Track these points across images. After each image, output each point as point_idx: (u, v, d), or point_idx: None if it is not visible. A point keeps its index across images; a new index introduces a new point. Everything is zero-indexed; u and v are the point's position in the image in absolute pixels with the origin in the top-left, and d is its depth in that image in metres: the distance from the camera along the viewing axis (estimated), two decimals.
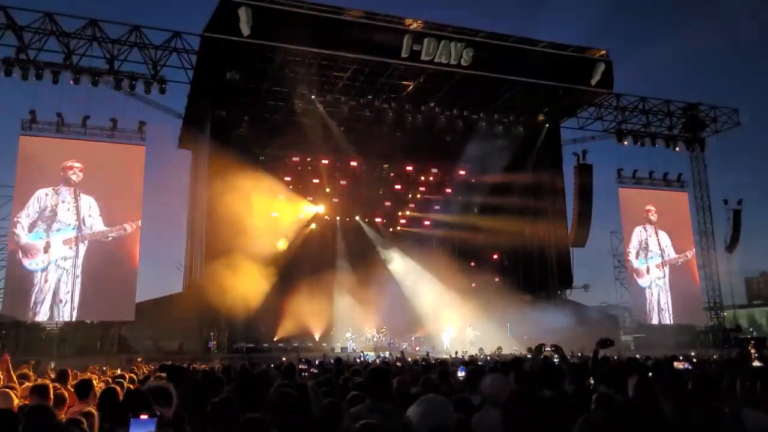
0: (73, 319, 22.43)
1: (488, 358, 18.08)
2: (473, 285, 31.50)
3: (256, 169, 25.86)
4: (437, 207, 32.39)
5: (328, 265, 29.87)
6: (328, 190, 29.97)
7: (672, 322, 29.81)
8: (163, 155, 26.63)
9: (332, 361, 12.18)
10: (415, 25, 24.23)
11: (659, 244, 30.65)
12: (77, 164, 22.62)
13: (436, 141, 28.38)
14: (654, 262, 30.31)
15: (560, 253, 29.19)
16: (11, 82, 22.02)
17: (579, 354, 13.48)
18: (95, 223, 22.71)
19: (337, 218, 31.28)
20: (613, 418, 1.89)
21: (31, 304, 21.54)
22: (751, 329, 48.11)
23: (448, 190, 31.54)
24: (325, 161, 28.58)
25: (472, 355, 19.00)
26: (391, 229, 31.93)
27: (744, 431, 2.79)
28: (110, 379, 7.33)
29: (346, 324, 27.32)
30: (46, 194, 22.32)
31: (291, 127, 25.89)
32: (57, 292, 21.76)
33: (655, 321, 29.54)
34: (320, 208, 30.31)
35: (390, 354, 19.79)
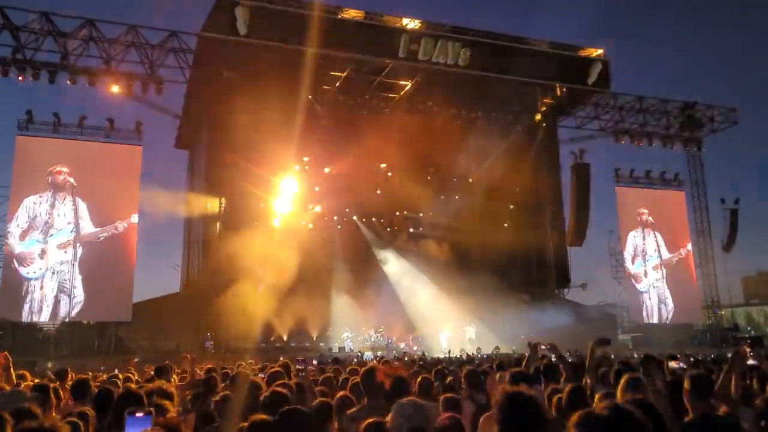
0: (70, 320, 22.37)
1: (485, 356, 18.13)
2: (470, 284, 31.61)
3: (254, 169, 25.90)
4: (434, 206, 32.42)
5: (326, 265, 29.87)
6: (319, 189, 29.96)
7: (670, 322, 29.86)
8: (160, 155, 26.64)
9: (329, 361, 12.20)
10: (412, 24, 24.27)
11: (657, 245, 30.69)
12: (65, 168, 22.44)
13: (433, 140, 28.36)
14: (651, 264, 30.36)
15: (558, 253, 29.25)
16: (8, 82, 22.04)
17: (577, 353, 13.50)
18: (89, 224, 22.65)
19: (335, 218, 31.28)
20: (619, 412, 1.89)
21: (27, 306, 21.45)
22: (748, 328, 48.26)
23: (446, 190, 31.55)
24: (322, 160, 28.56)
25: (469, 355, 19.01)
26: (388, 229, 31.94)
27: (739, 431, 2.79)
28: (105, 379, 7.34)
29: (344, 324, 27.33)
30: (40, 197, 22.24)
31: (288, 127, 25.87)
32: (54, 295, 21.72)
33: (652, 320, 29.59)
34: (317, 208, 30.33)
35: (393, 352, 19.85)
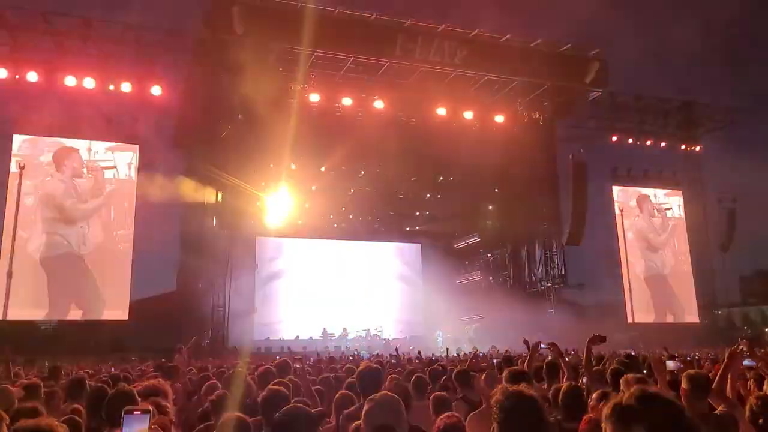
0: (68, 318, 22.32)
1: (482, 355, 18.15)
2: (467, 283, 31.73)
3: (251, 169, 25.89)
4: (431, 206, 32.49)
5: (323, 263, 29.98)
6: (322, 189, 30.02)
7: (667, 320, 29.88)
8: (157, 154, 26.47)
9: (326, 359, 12.22)
10: (407, 23, 24.26)
11: (654, 243, 30.75)
12: (68, 163, 22.50)
13: (430, 139, 28.38)
14: (648, 261, 30.40)
15: (555, 252, 29.28)
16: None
17: (572, 352, 13.51)
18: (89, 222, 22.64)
19: (331, 216, 31.37)
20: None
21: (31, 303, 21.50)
22: (745, 327, 48.33)
23: (442, 188, 31.62)
24: (319, 159, 28.58)
25: (466, 354, 19.03)
26: (384, 228, 32.02)
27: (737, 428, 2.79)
28: (102, 378, 7.31)
29: (341, 323, 27.42)
30: (39, 194, 22.21)
31: (286, 127, 25.84)
32: (50, 292, 21.69)
33: (649, 319, 29.61)
34: (315, 207, 30.41)
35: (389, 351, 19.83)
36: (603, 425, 1.79)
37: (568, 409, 4.07)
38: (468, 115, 27.30)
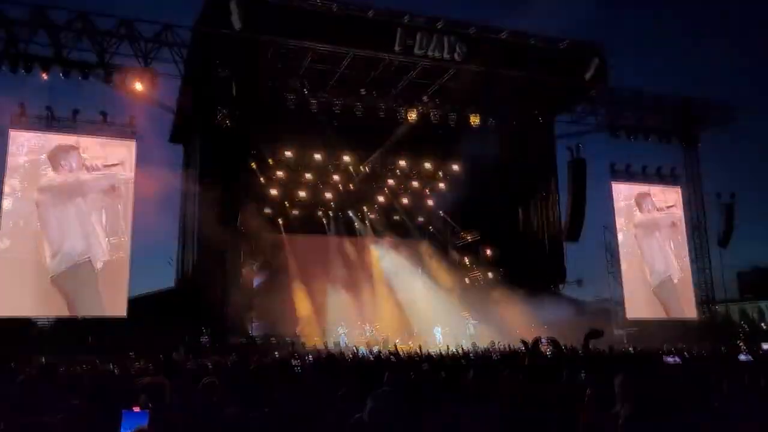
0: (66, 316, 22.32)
1: (482, 350, 18.24)
2: (466, 280, 31.74)
3: (248, 164, 25.90)
4: (430, 202, 32.48)
5: (321, 261, 29.99)
6: (320, 185, 30.05)
7: (664, 316, 29.96)
8: (154, 149, 26.43)
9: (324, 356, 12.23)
10: (407, 18, 24.23)
11: (652, 240, 30.82)
12: (64, 162, 22.52)
13: (429, 135, 28.39)
14: (647, 257, 30.47)
15: (553, 248, 29.33)
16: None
17: (569, 347, 13.59)
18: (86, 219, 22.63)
19: (330, 213, 31.36)
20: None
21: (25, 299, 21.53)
22: (742, 323, 48.46)
23: (441, 185, 31.59)
24: (317, 156, 28.55)
25: (465, 350, 19.10)
26: (383, 224, 32.02)
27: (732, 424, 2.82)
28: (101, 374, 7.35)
29: (339, 319, 27.42)
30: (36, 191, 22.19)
31: (283, 122, 25.87)
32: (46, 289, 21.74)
33: (647, 315, 29.69)
34: (312, 203, 30.47)
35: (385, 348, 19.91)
36: None
37: (567, 402, 4.08)
38: (468, 111, 27.38)
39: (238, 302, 23.23)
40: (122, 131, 23.56)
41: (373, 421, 2.78)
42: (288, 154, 28.42)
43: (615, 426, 3.12)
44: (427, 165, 30.51)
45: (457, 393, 5.44)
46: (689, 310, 30.57)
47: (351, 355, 16.91)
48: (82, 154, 22.81)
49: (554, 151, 29.79)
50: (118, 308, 22.52)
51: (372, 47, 23.92)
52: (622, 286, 29.89)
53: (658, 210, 31.09)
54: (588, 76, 26.83)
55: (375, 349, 20.79)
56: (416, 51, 24.08)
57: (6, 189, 21.74)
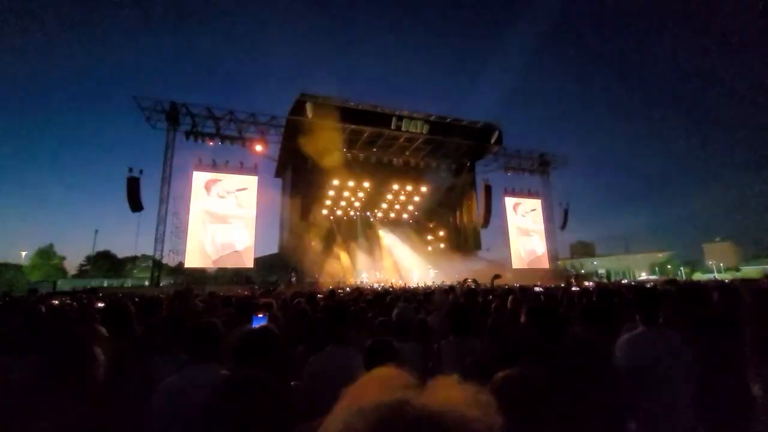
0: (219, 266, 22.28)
1: (437, 286, 18.16)
2: (429, 249, 31.65)
3: (315, 189, 25.84)
4: (411, 207, 32.40)
5: (353, 238, 29.93)
6: (353, 198, 29.98)
7: (531, 267, 29.72)
8: (267, 180, 26.42)
9: (349, 289, 12.15)
10: (397, 111, 24.20)
11: (524, 227, 30.62)
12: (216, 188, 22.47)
13: (409, 172, 28.32)
14: (521, 235, 30.24)
15: (475, 231, 29.23)
16: (187, 143, 22.00)
17: (484, 284, 13.49)
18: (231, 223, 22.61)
19: (358, 213, 31.30)
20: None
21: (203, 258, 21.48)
22: (572, 270, 48.27)
23: (416, 198, 31.51)
24: (350, 182, 28.51)
25: (429, 286, 19.02)
26: (386, 220, 31.93)
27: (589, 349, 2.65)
28: (240, 296, 7.30)
29: (362, 269, 27.37)
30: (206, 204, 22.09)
31: (333, 165, 25.82)
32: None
33: (522, 266, 29.46)
34: (348, 207, 30.32)
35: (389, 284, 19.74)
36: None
37: (483, 313, 4.04)
38: (430, 159, 27.25)
39: (308, 260, 23.20)
40: (249, 171, 23.51)
41: (397, 320, 2.74)
42: (335, 181, 28.42)
43: (511, 321, 3.07)
44: (409, 187, 30.40)
45: (429, 305, 5.42)
46: (544, 264, 30.37)
47: (369, 288, 16.89)
48: (228, 184, 22.72)
49: (475, 180, 29.64)
50: (249, 263, 22.54)
51: (379, 126, 23.88)
52: (509, 252, 29.68)
53: (529, 211, 30.85)
54: (492, 140, 26.70)
55: (381, 285, 20.75)
56: (402, 128, 24.04)
57: (192, 203, 21.72)
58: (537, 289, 6.37)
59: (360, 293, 8.07)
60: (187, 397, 1.54)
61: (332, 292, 7.41)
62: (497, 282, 8.24)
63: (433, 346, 2.75)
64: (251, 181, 23.23)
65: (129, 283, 33.42)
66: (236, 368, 1.45)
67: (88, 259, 44.46)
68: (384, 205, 31.37)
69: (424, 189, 30.65)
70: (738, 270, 50.66)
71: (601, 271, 47.96)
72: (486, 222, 28.61)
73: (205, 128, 22.11)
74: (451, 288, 7.73)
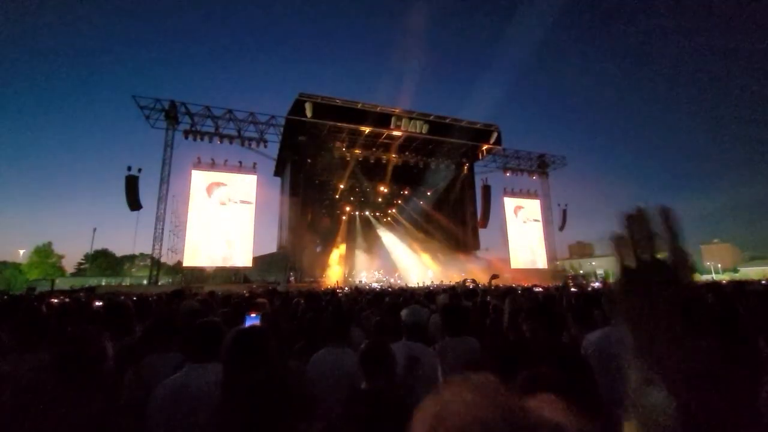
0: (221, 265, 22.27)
1: (436, 285, 18.19)
2: (428, 249, 31.62)
3: (314, 188, 25.78)
4: (410, 207, 32.36)
5: (352, 237, 29.91)
6: (352, 198, 29.95)
7: (530, 267, 29.76)
8: (266, 179, 26.40)
9: (348, 289, 12.16)
10: (397, 110, 24.17)
11: (523, 228, 30.61)
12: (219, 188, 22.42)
13: (409, 173, 28.30)
14: (521, 235, 30.22)
15: (473, 231, 29.23)
16: (186, 142, 21.87)
17: (483, 284, 13.52)
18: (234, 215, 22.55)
19: (357, 212, 31.30)
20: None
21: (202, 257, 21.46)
22: (570, 271, 48.34)
23: (415, 198, 31.47)
24: (350, 182, 28.45)
25: (428, 286, 19.02)
26: (385, 219, 31.93)
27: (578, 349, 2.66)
28: (238, 295, 7.27)
29: (361, 268, 27.35)
30: (207, 205, 22.03)
31: (333, 165, 25.81)
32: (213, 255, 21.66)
33: (521, 266, 29.50)
34: (347, 207, 30.29)
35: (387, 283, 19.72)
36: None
37: (480, 313, 4.07)
38: (430, 160, 27.23)
39: (308, 259, 23.16)
40: (248, 170, 23.41)
41: (408, 321, 2.71)
42: (334, 180, 28.35)
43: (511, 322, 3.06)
44: (408, 187, 30.34)
45: (433, 303, 5.44)
46: (543, 264, 30.41)
47: (367, 287, 16.86)
48: (232, 193, 22.62)
49: (474, 181, 29.65)
50: (247, 262, 22.49)
51: (378, 126, 23.86)
52: (509, 251, 29.69)
53: (528, 212, 30.86)
54: (491, 141, 26.71)
55: (380, 285, 20.77)
56: (402, 128, 24.01)
57: (191, 203, 21.65)
58: (537, 289, 6.40)
59: (359, 293, 8.07)
60: (192, 398, 1.54)
61: (332, 292, 7.41)
62: (495, 282, 8.24)
63: (433, 346, 2.75)
64: (251, 184, 23.08)
65: (127, 281, 33.36)
66: (226, 370, 1.44)
67: (87, 257, 44.38)
68: (383, 205, 31.36)
69: (423, 189, 30.64)
70: (736, 271, 50.78)
71: (600, 271, 48.01)
72: (485, 222, 28.62)
73: (204, 127, 22.08)
74: (453, 288, 7.74)
